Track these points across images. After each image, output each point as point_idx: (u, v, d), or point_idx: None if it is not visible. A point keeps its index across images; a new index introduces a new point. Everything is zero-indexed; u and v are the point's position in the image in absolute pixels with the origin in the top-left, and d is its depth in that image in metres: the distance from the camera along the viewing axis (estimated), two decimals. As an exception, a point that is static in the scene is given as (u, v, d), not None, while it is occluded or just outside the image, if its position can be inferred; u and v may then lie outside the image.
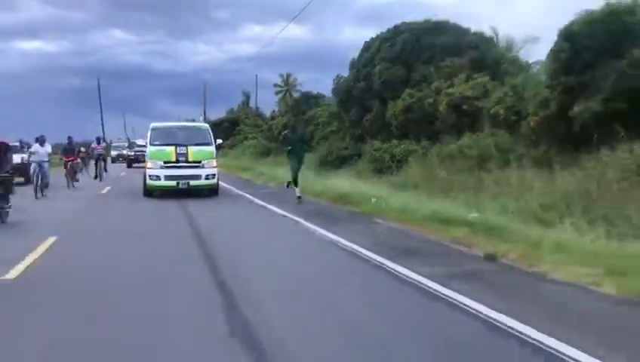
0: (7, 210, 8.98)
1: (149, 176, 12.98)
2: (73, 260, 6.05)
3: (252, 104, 52.45)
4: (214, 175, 13.18)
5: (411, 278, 4.93)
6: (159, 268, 5.65)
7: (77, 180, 17.52)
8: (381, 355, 3.18)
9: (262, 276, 5.25)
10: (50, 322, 3.81)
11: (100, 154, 21.34)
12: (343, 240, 6.88)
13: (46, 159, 14.40)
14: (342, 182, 13.20)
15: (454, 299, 4.21)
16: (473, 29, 17.66)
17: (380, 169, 15.59)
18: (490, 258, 5.72)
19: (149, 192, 13.15)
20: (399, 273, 5.16)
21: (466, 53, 16.04)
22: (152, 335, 3.51)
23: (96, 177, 20.24)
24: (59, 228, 8.18)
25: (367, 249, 6.28)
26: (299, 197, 11.60)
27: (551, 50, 10.24)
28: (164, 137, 13.55)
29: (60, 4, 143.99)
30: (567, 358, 3.04)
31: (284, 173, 15.20)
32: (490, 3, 69.15)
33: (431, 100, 14.53)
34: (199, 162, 13.01)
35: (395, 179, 14.28)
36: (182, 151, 13.00)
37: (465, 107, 13.40)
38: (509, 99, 12.09)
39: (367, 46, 19.10)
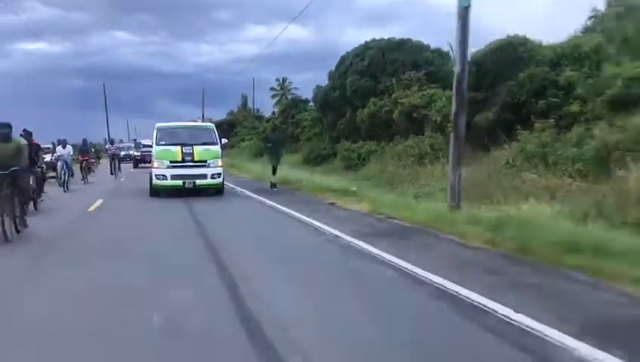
0: (42, 199, 11.40)
1: (156, 175, 13.14)
2: (118, 202, 9.04)
3: (252, 105, 55.31)
4: (220, 174, 13.35)
5: (287, 212, 8.70)
6: (165, 215, 8.60)
7: (91, 175, 20.48)
8: (262, 244, 6.13)
9: (226, 227, 8.15)
10: (112, 222, 6.78)
11: (114, 154, 23.72)
12: (277, 205, 10.02)
13: (69, 159, 17.31)
14: (303, 174, 16.37)
15: (307, 221, 7.54)
16: (435, 44, 20.58)
17: (349, 165, 18.54)
18: (331, 203, 9.88)
19: (156, 192, 13.34)
20: (283, 211, 8.88)
21: (423, 67, 18.93)
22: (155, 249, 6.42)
23: (112, 173, 22.77)
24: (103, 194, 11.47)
25: (280, 204, 9.95)
26: (274, 184, 14.09)
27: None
28: (169, 137, 13.78)
29: (63, 6, 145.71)
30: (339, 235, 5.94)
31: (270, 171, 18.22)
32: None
33: (388, 108, 17.42)
34: (205, 161, 13.19)
35: (359, 173, 17.21)
36: (188, 151, 13.17)
37: (414, 114, 16.28)
38: (446, 108, 14.96)
39: (343, 59, 22.04)
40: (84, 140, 21.33)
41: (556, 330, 3.01)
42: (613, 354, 2.69)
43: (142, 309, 3.63)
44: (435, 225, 6.68)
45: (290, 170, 18.43)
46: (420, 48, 20.17)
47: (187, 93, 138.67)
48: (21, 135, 9.28)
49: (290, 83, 57.73)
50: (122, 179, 18.97)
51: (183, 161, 13.01)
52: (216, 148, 13.52)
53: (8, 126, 7.26)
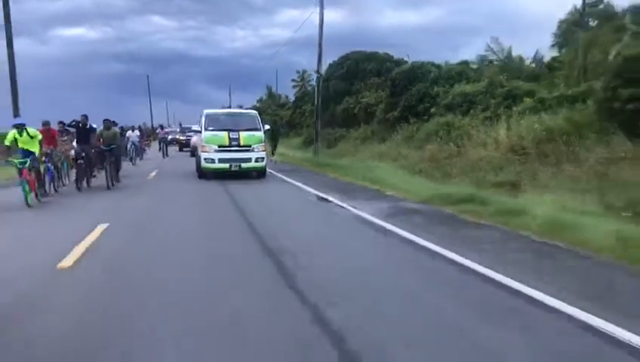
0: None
1: (204, 159, 13.70)
2: (167, 173, 16.54)
3: (281, 91, 59.88)
4: (263, 158, 13.90)
5: (279, 176, 15.29)
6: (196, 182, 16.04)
7: (146, 154, 28.20)
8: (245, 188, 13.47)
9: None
10: (166, 184, 14.28)
11: (164, 138, 28.79)
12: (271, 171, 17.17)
13: (137, 140, 25.02)
14: (291, 152, 23.61)
15: (288, 180, 14.58)
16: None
17: (329, 146, 25.72)
18: (308, 170, 16.13)
19: (204, 174, 13.93)
20: (277, 176, 15.52)
21: (383, 74, 25.84)
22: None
23: (164, 156, 26.68)
24: (157, 168, 18.78)
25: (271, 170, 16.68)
26: (275, 161, 21.28)
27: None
28: (217, 123, 14.24)
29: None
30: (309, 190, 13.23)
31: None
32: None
33: (353, 105, 24.52)
34: (249, 146, 13.68)
35: (332, 151, 24.38)
36: (234, 136, 13.67)
37: (368, 110, 23.32)
38: (385, 107, 21.98)
39: (330, 66, 29.15)
40: (140, 126, 29.13)
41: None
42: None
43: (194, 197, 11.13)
44: (304, 163, 14.10)
45: (289, 150, 25.93)
46: (384, 59, 27.02)
47: (221, 78, 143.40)
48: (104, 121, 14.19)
49: (310, 75, 64.59)
50: (169, 158, 26.18)
51: (230, 145, 13.58)
52: (260, 133, 14.09)
53: (110, 120, 14.04)
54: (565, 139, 10.25)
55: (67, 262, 5.09)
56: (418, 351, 3.03)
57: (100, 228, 6.76)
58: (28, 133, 10.17)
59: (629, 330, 3.19)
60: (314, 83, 32.14)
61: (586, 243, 5.33)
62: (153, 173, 16.09)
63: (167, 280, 4.44)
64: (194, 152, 22.58)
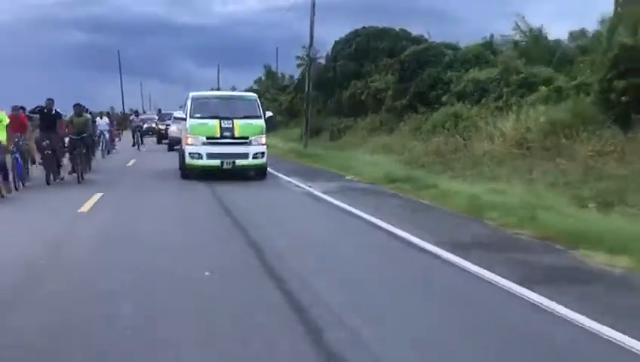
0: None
1: (189, 153, 13.77)
2: (145, 163, 19.05)
3: (285, 70, 60.15)
4: (264, 153, 14.01)
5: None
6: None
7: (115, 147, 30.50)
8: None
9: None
10: (141, 173, 16.81)
11: (138, 127, 30.89)
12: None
13: (107, 129, 27.47)
14: (287, 144, 26.10)
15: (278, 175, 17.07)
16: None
17: (333, 137, 28.03)
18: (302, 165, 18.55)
19: (188, 172, 14.14)
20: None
21: (397, 54, 28.10)
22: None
23: (134, 145, 29.50)
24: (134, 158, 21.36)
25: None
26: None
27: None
28: (206, 109, 14.28)
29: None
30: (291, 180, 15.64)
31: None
32: None
33: (361, 91, 26.84)
34: (247, 138, 13.77)
35: (336, 143, 26.69)
36: (227, 126, 13.67)
37: (378, 96, 25.60)
38: (395, 93, 24.30)
39: (336, 44, 31.53)
40: (108, 112, 31.59)
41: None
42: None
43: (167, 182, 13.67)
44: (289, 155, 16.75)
45: (285, 142, 28.39)
46: (399, 37, 29.27)
47: (210, 53, 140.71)
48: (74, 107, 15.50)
49: (318, 51, 66.48)
50: (144, 149, 28.58)
51: (222, 137, 13.67)
52: (260, 122, 14.24)
53: (81, 105, 16.25)
54: (567, 132, 12.47)
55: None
56: (314, 260, 6.43)
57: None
58: None
59: (434, 244, 6.88)
60: (324, 60, 34.77)
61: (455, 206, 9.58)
62: (130, 162, 19.26)
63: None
64: (172, 145, 23.90)
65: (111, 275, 5.62)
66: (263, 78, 60.77)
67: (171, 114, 23.25)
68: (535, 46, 20.54)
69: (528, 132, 13.79)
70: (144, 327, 4.21)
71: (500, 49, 21.75)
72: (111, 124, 27.53)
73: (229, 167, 13.70)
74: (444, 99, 19.05)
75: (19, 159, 12.70)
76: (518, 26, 21.73)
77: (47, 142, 13.66)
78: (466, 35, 51.43)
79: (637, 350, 3.75)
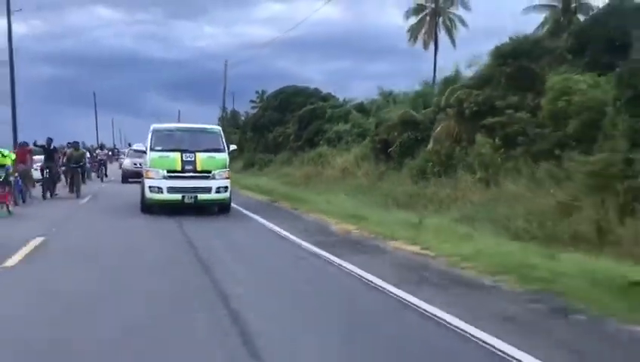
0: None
1: (149, 187, 13.76)
2: (109, 195, 28.79)
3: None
4: (227, 188, 14.04)
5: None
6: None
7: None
8: None
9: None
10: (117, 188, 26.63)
11: (102, 160, 34.31)
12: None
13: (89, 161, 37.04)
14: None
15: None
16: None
17: (261, 168, 38.14)
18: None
19: (148, 207, 14.12)
20: None
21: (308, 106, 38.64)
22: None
23: (98, 177, 33.01)
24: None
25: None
26: None
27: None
28: (167, 141, 14.31)
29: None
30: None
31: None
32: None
33: (279, 134, 37.19)
34: (209, 172, 13.86)
35: (262, 172, 36.78)
36: (189, 159, 13.73)
37: (288, 139, 35.89)
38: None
39: (267, 98, 42.12)
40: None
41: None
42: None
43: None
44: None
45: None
46: (312, 94, 39.76)
47: (183, 86, 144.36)
48: (68, 144, 27.15)
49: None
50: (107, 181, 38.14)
51: (183, 170, 13.72)
52: (223, 155, 14.40)
53: (77, 142, 25.66)
54: (359, 163, 22.79)
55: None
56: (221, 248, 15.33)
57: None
58: (1, 154, 15.03)
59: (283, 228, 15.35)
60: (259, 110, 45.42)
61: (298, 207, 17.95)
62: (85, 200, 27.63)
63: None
64: (126, 177, 29.15)
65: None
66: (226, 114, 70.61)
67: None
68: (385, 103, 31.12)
69: (347, 162, 24.12)
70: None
71: (371, 107, 32.30)
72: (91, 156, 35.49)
73: (191, 201, 13.76)
74: (320, 142, 29.41)
75: (19, 181, 16.92)
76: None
77: (47, 169, 20.01)
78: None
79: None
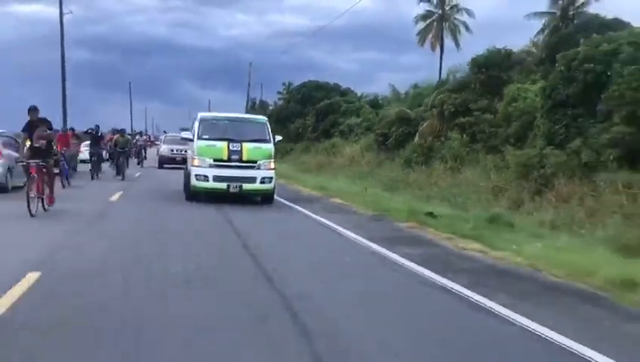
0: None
1: (196, 175, 14.15)
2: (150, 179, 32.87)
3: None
4: (271, 178, 14.32)
5: None
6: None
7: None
8: None
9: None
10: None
11: (142, 146, 37.64)
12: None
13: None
14: None
15: None
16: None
17: (282, 156, 41.89)
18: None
19: (194, 195, 14.45)
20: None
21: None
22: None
23: (138, 163, 34.19)
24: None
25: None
26: None
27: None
28: (214, 130, 14.76)
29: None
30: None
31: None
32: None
33: (300, 126, 40.88)
34: (255, 162, 14.15)
35: (284, 159, 40.55)
36: (235, 148, 14.06)
37: (307, 130, 39.58)
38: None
39: (291, 91, 45.75)
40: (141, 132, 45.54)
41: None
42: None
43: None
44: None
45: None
46: (332, 89, 43.25)
47: (217, 74, 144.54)
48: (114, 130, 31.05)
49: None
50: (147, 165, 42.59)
51: (229, 160, 14.06)
52: (269, 146, 14.65)
53: (124, 129, 29.83)
54: (364, 153, 26.33)
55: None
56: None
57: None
58: None
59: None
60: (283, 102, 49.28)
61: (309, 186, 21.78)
62: (137, 175, 32.28)
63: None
64: (162, 163, 31.95)
65: None
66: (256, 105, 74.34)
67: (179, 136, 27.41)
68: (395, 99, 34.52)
69: (355, 152, 27.67)
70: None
71: (383, 102, 35.73)
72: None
73: (236, 190, 14.01)
74: (335, 134, 33.00)
75: (65, 164, 18.10)
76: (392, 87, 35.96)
77: (94, 153, 23.11)
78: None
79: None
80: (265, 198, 14.67)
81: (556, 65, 14.45)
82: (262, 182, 14.11)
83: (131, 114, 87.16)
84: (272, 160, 14.61)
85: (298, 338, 4.55)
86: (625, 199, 10.68)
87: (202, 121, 15.22)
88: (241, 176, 14.00)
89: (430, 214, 11.66)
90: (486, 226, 10.39)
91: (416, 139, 20.92)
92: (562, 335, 4.76)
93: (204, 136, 14.55)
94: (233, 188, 13.90)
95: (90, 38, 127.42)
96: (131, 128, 77.64)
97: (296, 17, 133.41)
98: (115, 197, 15.20)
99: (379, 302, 6.01)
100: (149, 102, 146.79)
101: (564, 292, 6.54)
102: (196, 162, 14.21)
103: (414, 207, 12.92)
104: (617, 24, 18.70)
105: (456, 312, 5.71)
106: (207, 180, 13.98)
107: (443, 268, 7.40)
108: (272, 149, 14.79)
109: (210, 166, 14.04)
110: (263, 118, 17.25)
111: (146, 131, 57.00)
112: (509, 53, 20.19)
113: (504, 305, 5.65)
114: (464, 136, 18.11)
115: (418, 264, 7.62)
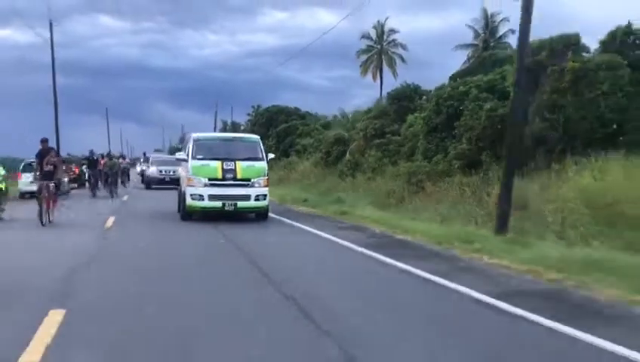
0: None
1: (191, 195, 14.50)
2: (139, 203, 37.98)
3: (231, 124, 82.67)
4: (265, 196, 14.85)
5: None
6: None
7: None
8: None
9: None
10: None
11: (125, 168, 39.83)
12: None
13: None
14: None
15: None
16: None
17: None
18: None
19: (189, 214, 14.81)
20: None
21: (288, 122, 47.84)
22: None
23: (122, 183, 36.44)
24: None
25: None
26: None
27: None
28: (208, 150, 15.13)
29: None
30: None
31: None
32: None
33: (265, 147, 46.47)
34: (249, 180, 14.59)
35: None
36: (229, 167, 14.45)
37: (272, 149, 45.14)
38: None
39: (257, 114, 51.37)
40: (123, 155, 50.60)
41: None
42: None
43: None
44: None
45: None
46: (292, 113, 48.87)
47: (190, 94, 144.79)
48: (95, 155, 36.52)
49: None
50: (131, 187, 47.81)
51: (224, 178, 14.50)
52: (262, 164, 15.34)
53: (111, 153, 35.20)
54: (312, 169, 31.92)
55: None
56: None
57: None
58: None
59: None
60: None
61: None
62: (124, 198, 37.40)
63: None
64: (150, 184, 34.61)
65: None
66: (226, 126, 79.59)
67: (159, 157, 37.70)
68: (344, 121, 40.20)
69: (306, 168, 33.21)
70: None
71: (332, 124, 41.41)
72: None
73: (231, 208, 14.23)
74: (292, 153, 38.60)
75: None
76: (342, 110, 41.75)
77: (93, 174, 29.87)
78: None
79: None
80: (259, 215, 15.25)
81: (432, 100, 20.26)
82: (256, 200, 14.73)
83: (109, 138, 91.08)
84: (266, 177, 15.29)
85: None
86: (459, 193, 16.40)
87: (196, 141, 15.78)
88: (235, 194, 14.51)
89: (305, 200, 19.87)
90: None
91: (347, 156, 26.56)
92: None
93: (198, 156, 15.09)
94: (228, 206, 14.44)
95: (63, 62, 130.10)
96: (109, 149, 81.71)
97: (266, 36, 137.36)
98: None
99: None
100: (122, 123, 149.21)
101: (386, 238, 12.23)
102: (192, 182, 14.73)
103: (300, 196, 21.31)
104: (508, 58, 24.42)
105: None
106: (203, 199, 14.52)
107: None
108: (266, 167, 15.53)
109: (205, 185, 14.59)
110: (255, 136, 18.20)
111: (122, 153, 60.79)
112: (416, 87, 26.00)
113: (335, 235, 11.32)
114: (379, 153, 23.79)
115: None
